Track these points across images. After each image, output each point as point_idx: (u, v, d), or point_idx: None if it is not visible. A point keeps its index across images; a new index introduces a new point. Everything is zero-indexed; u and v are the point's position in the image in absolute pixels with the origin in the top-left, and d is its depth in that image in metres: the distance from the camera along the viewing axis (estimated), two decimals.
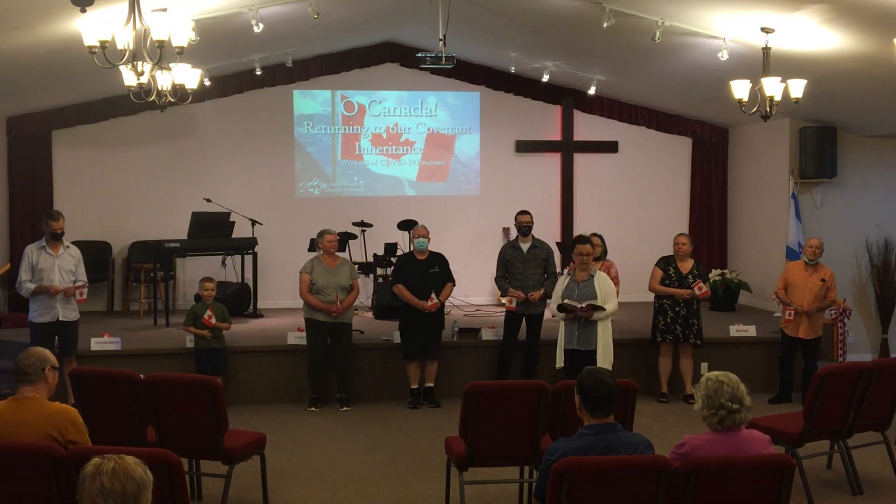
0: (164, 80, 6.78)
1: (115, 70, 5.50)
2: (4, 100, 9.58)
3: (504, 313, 8.45)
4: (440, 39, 8.40)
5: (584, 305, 7.06)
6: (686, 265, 8.34)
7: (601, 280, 7.24)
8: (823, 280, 8.15)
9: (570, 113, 11.82)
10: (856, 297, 10.31)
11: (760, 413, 6.28)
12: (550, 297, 8.37)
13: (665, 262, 8.42)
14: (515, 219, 8.45)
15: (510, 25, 9.12)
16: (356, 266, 9.09)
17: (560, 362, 7.34)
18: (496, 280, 8.45)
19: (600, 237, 8.63)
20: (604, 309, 7.10)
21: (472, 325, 9.19)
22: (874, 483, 6.08)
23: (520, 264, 8.27)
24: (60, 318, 7.46)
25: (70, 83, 9.33)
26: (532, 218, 8.43)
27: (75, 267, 7.59)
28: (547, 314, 8.25)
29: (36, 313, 7.44)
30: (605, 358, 7.13)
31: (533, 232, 8.37)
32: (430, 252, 8.25)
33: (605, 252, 8.58)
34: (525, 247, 8.33)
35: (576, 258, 7.32)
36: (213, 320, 7.83)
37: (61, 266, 7.48)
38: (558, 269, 10.57)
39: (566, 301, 7.17)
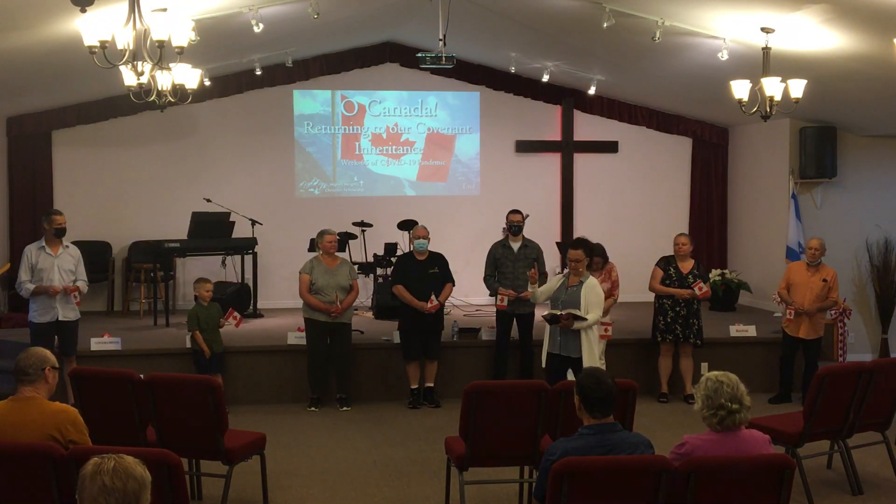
0: (164, 80, 6.77)
1: (115, 70, 5.50)
2: (4, 100, 9.57)
3: (495, 312, 8.43)
4: (440, 39, 8.39)
5: (564, 313, 6.75)
6: (686, 265, 8.34)
7: (588, 288, 6.80)
8: (825, 280, 8.14)
9: (570, 113, 11.81)
10: (856, 297, 10.31)
11: (760, 413, 6.28)
12: None
13: (665, 262, 8.42)
14: (506, 218, 8.44)
15: (510, 25, 9.12)
16: (356, 266, 9.10)
17: (543, 363, 7.04)
18: (485, 279, 8.39)
19: (601, 249, 8.03)
20: (584, 319, 6.71)
21: (472, 325, 9.18)
22: (874, 483, 6.08)
23: (510, 263, 8.25)
24: (60, 318, 7.47)
25: (70, 83, 9.33)
26: (523, 217, 8.41)
27: (75, 266, 7.59)
28: (537, 315, 8.11)
29: (36, 313, 7.45)
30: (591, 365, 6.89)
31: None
32: (430, 252, 8.25)
33: (605, 262, 8.15)
34: (516, 246, 8.32)
35: (568, 262, 7.16)
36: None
37: (61, 266, 7.48)
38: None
39: (547, 314, 6.90)
